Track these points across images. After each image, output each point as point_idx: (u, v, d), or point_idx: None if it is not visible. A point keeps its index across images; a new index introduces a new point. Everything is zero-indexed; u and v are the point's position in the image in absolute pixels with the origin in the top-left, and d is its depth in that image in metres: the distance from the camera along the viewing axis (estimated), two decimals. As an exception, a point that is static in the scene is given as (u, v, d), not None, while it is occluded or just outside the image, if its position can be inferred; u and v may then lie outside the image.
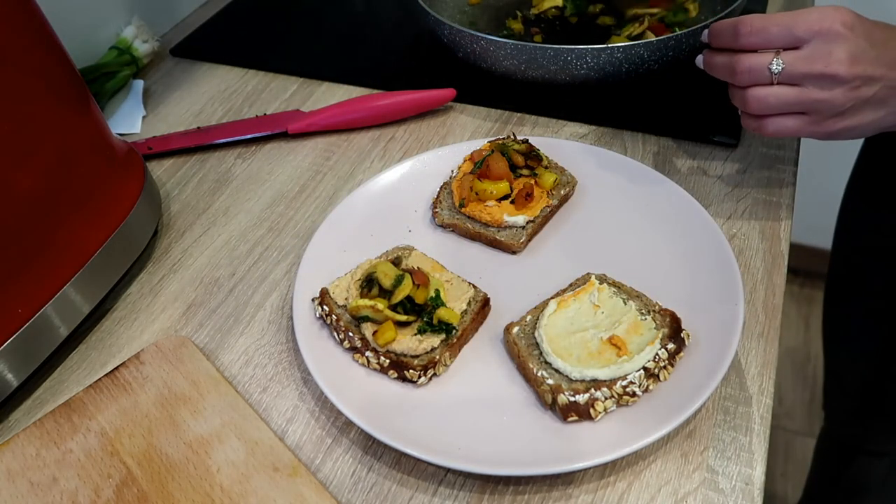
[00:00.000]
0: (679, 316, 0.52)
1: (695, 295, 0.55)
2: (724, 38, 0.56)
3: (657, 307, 0.53)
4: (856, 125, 0.54)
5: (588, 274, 0.56)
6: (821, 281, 1.81)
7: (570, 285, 0.56)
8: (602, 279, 0.55)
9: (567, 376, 0.49)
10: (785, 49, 0.52)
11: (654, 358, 0.49)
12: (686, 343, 0.51)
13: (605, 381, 0.48)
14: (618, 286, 0.55)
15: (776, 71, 0.52)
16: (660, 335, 0.50)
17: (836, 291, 0.95)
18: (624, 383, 0.48)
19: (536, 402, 0.50)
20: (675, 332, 0.51)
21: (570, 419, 0.48)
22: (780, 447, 1.54)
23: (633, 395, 0.48)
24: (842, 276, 0.92)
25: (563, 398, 0.47)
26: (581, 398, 0.47)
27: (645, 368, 0.48)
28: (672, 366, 0.50)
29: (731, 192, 0.66)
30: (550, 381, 0.49)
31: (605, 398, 0.47)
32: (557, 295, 0.55)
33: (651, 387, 0.49)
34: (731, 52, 0.55)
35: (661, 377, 0.49)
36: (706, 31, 0.58)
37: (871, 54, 0.51)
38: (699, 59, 0.60)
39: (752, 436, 0.49)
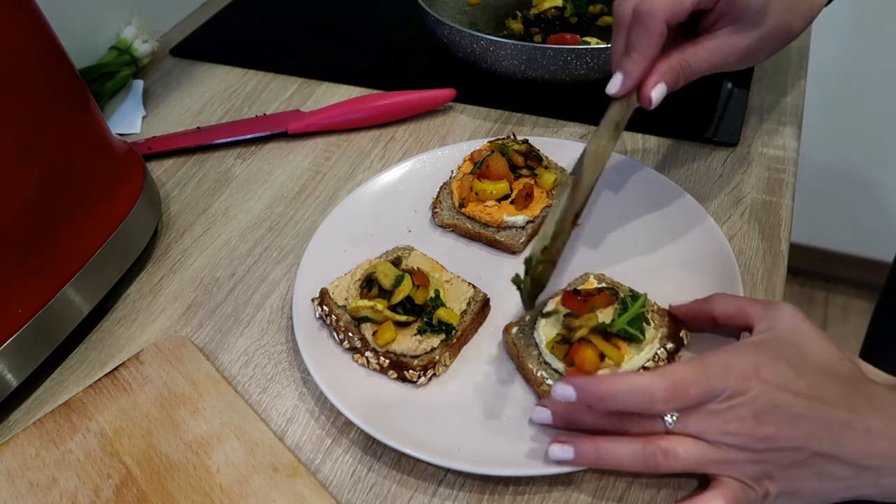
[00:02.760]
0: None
1: (695, 295, 0.54)
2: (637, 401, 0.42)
3: (655, 307, 0.53)
4: (805, 498, 0.43)
5: (586, 274, 0.56)
6: (822, 281, 1.81)
7: (568, 284, 0.56)
8: (600, 279, 0.55)
9: (566, 376, 0.49)
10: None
11: (654, 358, 0.49)
12: (685, 343, 0.51)
13: None
14: (616, 286, 0.54)
15: (670, 421, 0.43)
16: (658, 335, 0.50)
17: (891, 309, 0.87)
18: None
19: (536, 401, 0.50)
20: (673, 332, 0.51)
21: None
22: (780, 447, 1.54)
23: None
24: None
25: None
26: None
27: (644, 368, 0.48)
28: None
29: (731, 192, 0.66)
30: (550, 381, 0.49)
31: None
32: (555, 295, 0.55)
33: None
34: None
35: None
36: (562, 389, 0.43)
37: (795, 412, 0.41)
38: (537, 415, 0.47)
39: (752, 436, 0.49)
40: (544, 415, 0.47)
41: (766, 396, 0.41)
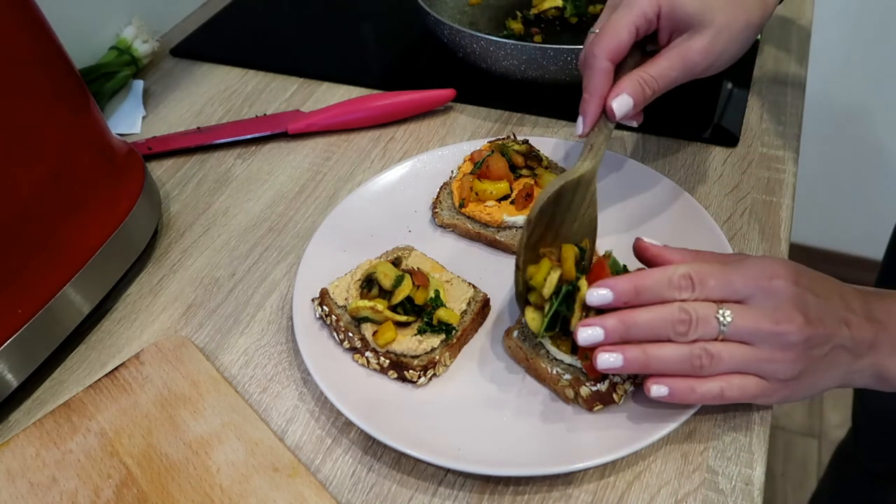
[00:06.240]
0: None
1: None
2: (648, 293, 0.45)
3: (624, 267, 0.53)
4: (809, 390, 0.46)
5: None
6: (821, 281, 1.81)
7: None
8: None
9: (581, 369, 0.49)
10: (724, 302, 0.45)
11: None
12: None
13: None
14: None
15: (725, 323, 0.44)
16: None
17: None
18: None
19: (536, 401, 0.50)
20: None
21: (596, 408, 0.48)
22: (780, 447, 1.54)
23: None
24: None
25: (585, 390, 0.48)
26: (602, 386, 0.48)
27: None
28: None
29: (731, 192, 0.66)
30: (568, 377, 0.49)
31: (623, 380, 0.48)
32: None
33: None
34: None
35: None
36: (604, 291, 0.45)
37: (820, 310, 0.45)
38: (581, 334, 0.45)
39: (752, 436, 0.49)
40: (595, 332, 0.45)
41: (802, 296, 0.44)
